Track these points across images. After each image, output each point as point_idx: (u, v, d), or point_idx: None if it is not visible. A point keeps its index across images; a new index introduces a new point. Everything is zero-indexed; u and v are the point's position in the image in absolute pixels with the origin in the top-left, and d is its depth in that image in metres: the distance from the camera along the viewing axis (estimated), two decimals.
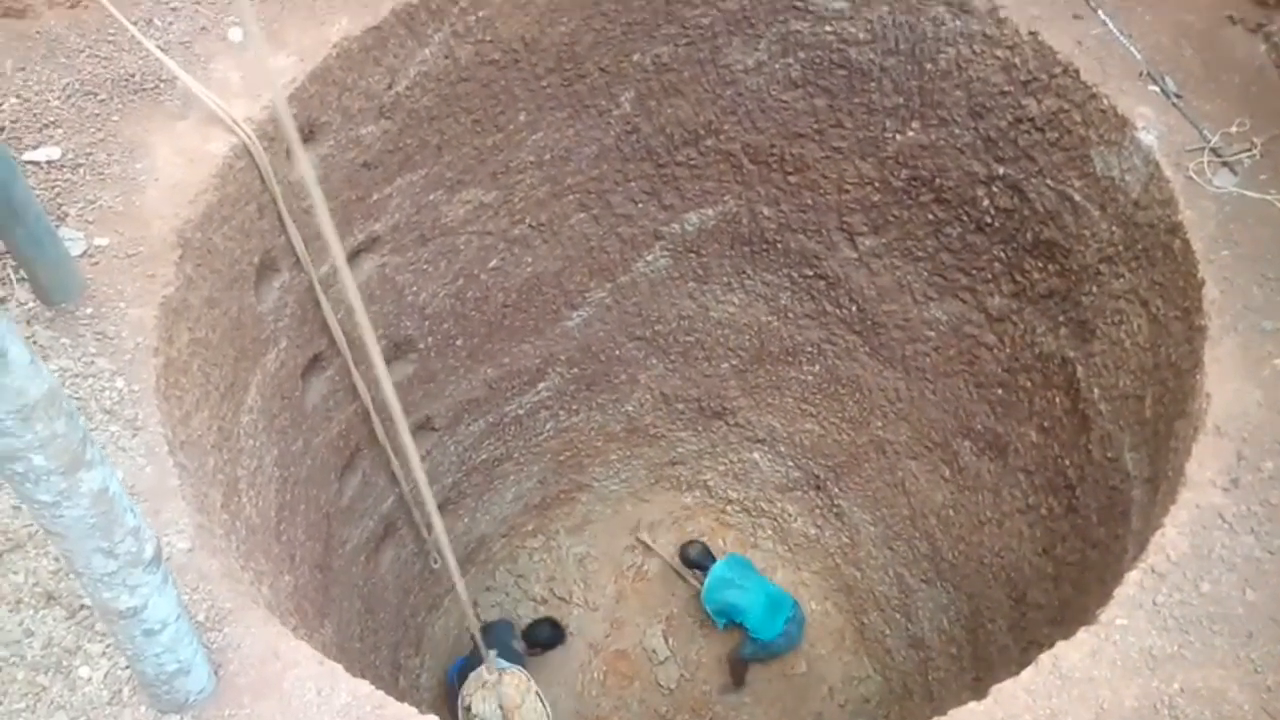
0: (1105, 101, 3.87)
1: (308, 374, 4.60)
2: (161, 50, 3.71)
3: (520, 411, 6.56)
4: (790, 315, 6.23)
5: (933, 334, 5.51)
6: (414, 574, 6.61)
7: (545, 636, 7.03)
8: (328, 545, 4.96)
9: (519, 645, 6.64)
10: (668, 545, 7.66)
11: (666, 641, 7.40)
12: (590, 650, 7.36)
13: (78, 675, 2.52)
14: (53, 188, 3.42)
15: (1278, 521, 2.96)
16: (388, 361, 5.21)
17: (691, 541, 7.32)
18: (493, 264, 5.42)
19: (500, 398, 6.31)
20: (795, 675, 7.24)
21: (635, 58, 4.82)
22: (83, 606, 2.57)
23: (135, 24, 3.74)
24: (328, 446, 4.90)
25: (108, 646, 2.52)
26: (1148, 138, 3.76)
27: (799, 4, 4.51)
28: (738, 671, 7.15)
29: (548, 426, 6.90)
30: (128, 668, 2.48)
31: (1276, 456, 3.08)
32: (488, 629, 6.71)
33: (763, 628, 6.71)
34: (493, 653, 4.93)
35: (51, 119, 3.56)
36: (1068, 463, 4.62)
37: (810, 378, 6.52)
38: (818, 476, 7.01)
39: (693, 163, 5.47)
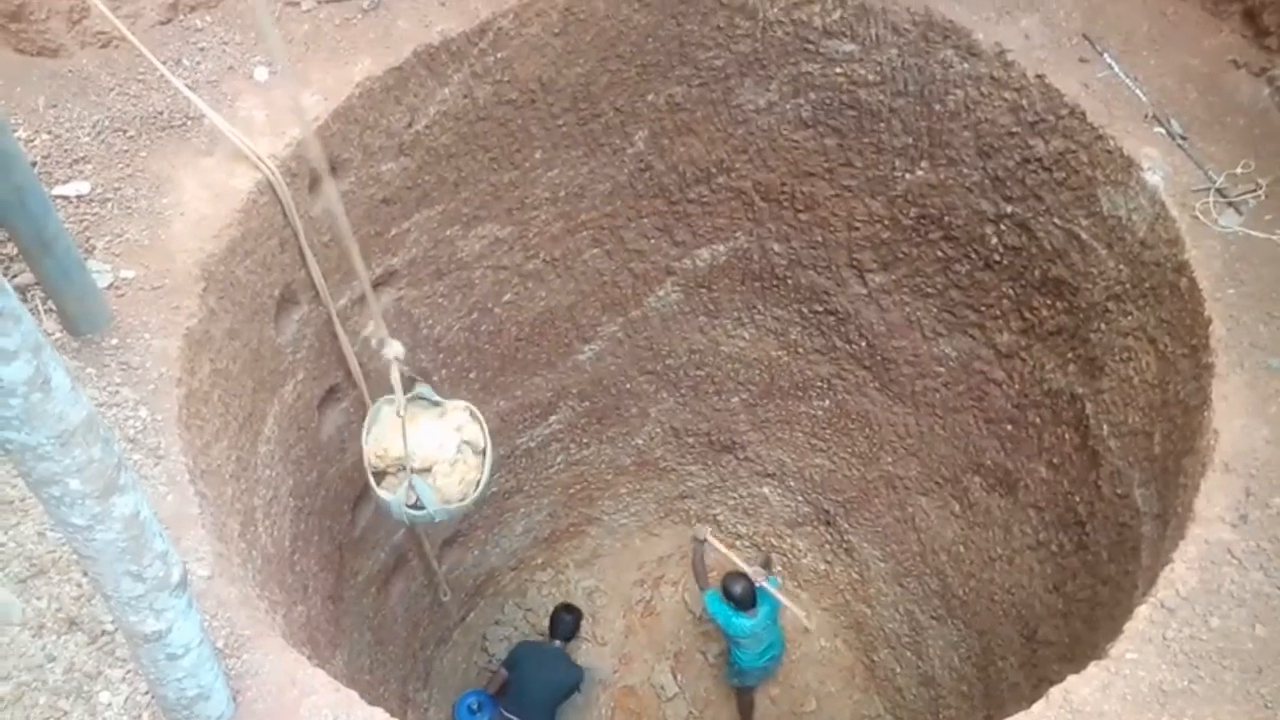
0: (1111, 142, 3.94)
1: (324, 405, 4.66)
2: (190, 89, 3.81)
3: (531, 444, 6.60)
4: (800, 350, 6.27)
5: (942, 370, 5.55)
6: (424, 607, 6.61)
7: (569, 626, 6.80)
8: (340, 576, 4.99)
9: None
10: (676, 581, 7.61)
11: (675, 678, 7.36)
12: (598, 686, 7.32)
13: (98, 700, 2.55)
14: (81, 221, 3.50)
15: None
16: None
17: (740, 575, 6.40)
18: (507, 298, 5.49)
19: (512, 430, 6.35)
20: (805, 714, 7.18)
21: (649, 98, 4.92)
22: (104, 632, 2.61)
23: (165, 63, 3.84)
24: (342, 477, 4.95)
25: (128, 672, 2.55)
26: (1153, 178, 3.82)
27: (810, 46, 4.61)
28: (744, 708, 7.11)
29: (558, 459, 6.93)
30: (148, 693, 2.51)
31: None
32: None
33: (749, 661, 6.64)
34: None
35: (81, 154, 3.65)
36: (1078, 499, 4.63)
37: (820, 413, 6.55)
38: (828, 512, 7.01)
39: (704, 200, 5.56)
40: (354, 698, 2.68)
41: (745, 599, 6.39)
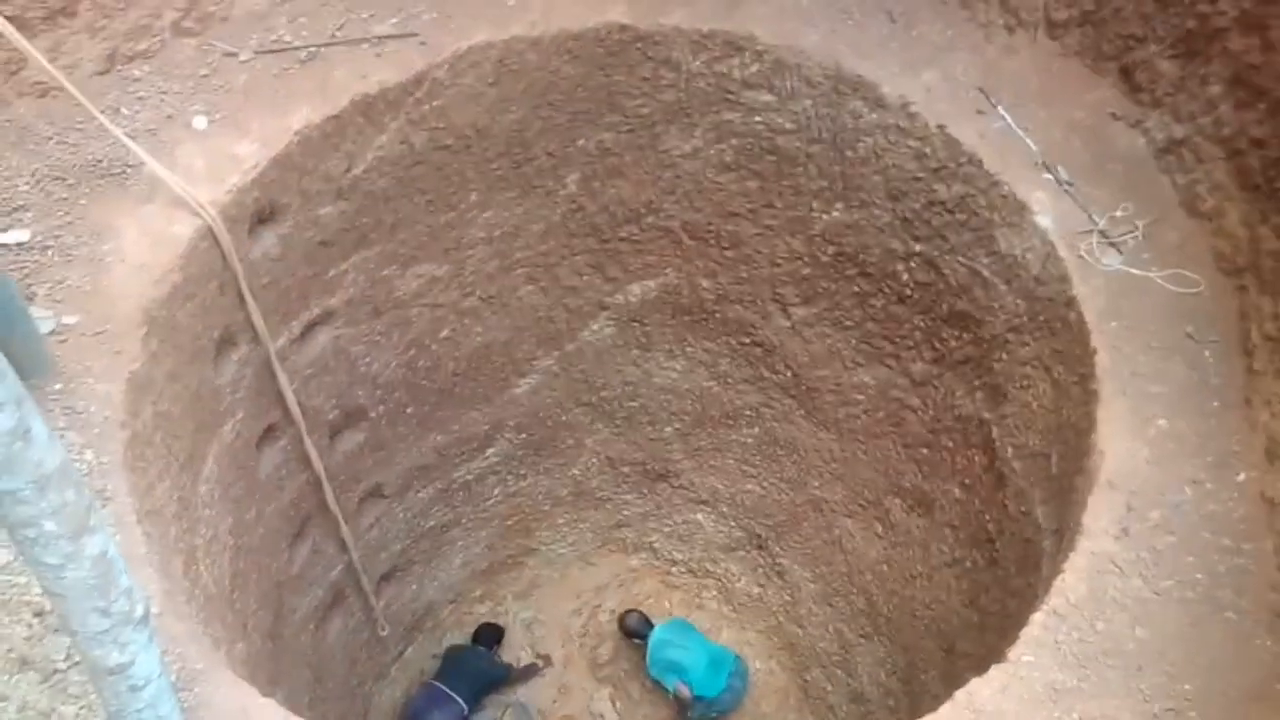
0: (1006, 188, 4.25)
1: (261, 444, 4.72)
2: (129, 137, 3.88)
3: (469, 477, 6.69)
4: (729, 381, 6.50)
5: (862, 398, 5.81)
6: (361, 643, 6.63)
7: (490, 636, 7.44)
8: (278, 614, 5.02)
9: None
10: (613, 610, 7.77)
11: (614, 706, 7.46)
12: (539, 716, 7.39)
13: None
14: (22, 269, 3.56)
15: (1163, 566, 3.28)
16: (339, 431, 5.37)
17: (629, 610, 7.46)
18: (444, 334, 5.61)
19: (449, 464, 6.44)
20: None
21: (580, 143, 5.12)
22: (56, 670, 2.67)
23: (103, 112, 3.87)
24: (279, 515, 5.00)
25: (82, 708, 2.62)
26: (1044, 221, 4.14)
27: (730, 97, 4.88)
28: None
29: (496, 492, 7.03)
30: None
31: (1161, 507, 3.42)
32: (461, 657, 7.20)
33: (706, 685, 6.85)
34: None
35: (21, 203, 3.71)
36: (988, 517, 4.90)
37: (750, 440, 6.77)
38: (760, 536, 7.21)
39: (635, 238, 5.77)
40: None
41: (641, 625, 7.21)
